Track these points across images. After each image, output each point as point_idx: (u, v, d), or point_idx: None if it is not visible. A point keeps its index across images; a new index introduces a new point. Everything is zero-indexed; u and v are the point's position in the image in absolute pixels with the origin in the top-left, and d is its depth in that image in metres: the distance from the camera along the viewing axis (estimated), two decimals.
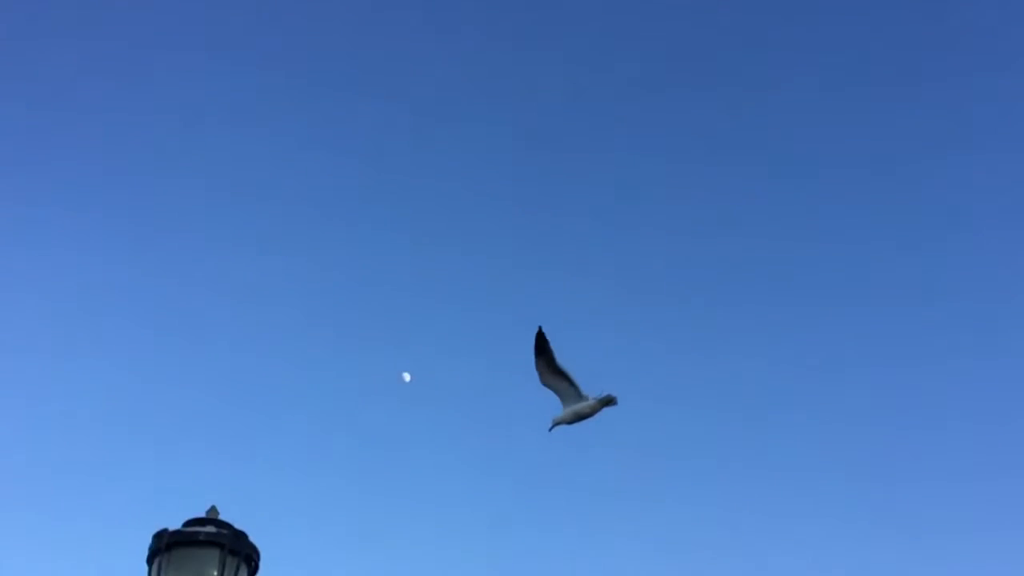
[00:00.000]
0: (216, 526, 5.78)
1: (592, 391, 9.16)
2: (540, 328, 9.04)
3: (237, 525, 5.88)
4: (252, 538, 5.91)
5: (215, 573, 5.66)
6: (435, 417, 27.85)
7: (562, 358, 9.08)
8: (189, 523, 5.80)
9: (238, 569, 5.73)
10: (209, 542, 5.70)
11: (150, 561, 5.71)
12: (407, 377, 26.33)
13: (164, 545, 5.68)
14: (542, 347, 9.05)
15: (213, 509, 5.89)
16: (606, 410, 9.23)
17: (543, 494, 27.47)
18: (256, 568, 5.86)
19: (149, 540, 5.75)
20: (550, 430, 9.26)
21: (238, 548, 5.74)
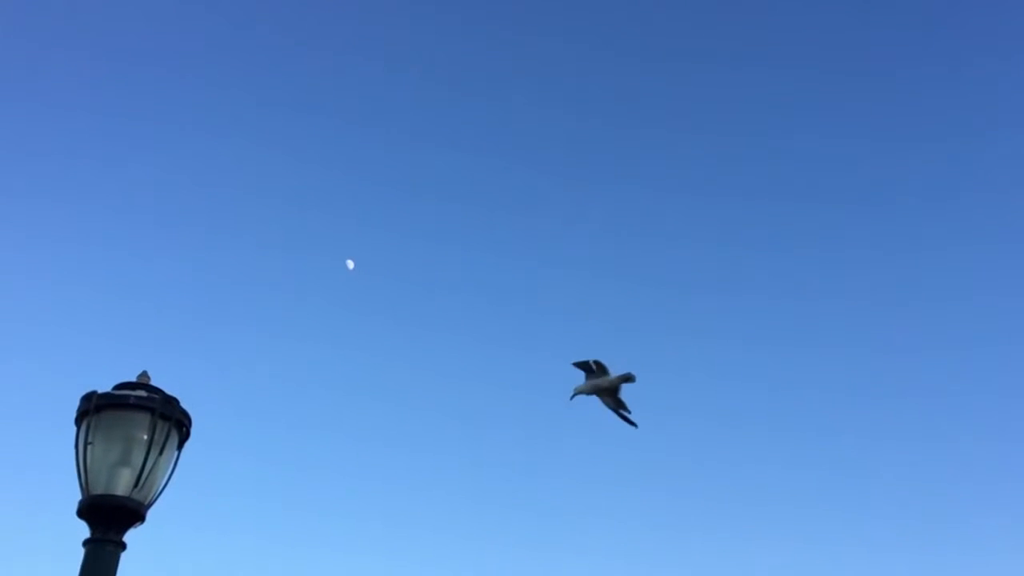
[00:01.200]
0: (147, 391, 5.70)
1: (614, 369, 9.84)
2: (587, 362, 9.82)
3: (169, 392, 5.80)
4: (185, 407, 5.83)
5: (145, 437, 5.59)
6: (377, 303, 27.85)
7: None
8: (119, 387, 5.72)
9: (168, 435, 5.66)
10: (139, 406, 5.62)
11: (78, 422, 5.63)
12: (350, 265, 26.29)
13: (93, 407, 5.59)
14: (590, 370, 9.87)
15: (144, 374, 5.81)
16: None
17: (483, 383, 27.79)
18: (187, 435, 5.80)
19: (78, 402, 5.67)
20: (571, 398, 9.84)
21: (169, 413, 5.67)
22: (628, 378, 9.82)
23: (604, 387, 9.83)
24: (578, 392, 9.82)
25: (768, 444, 26.91)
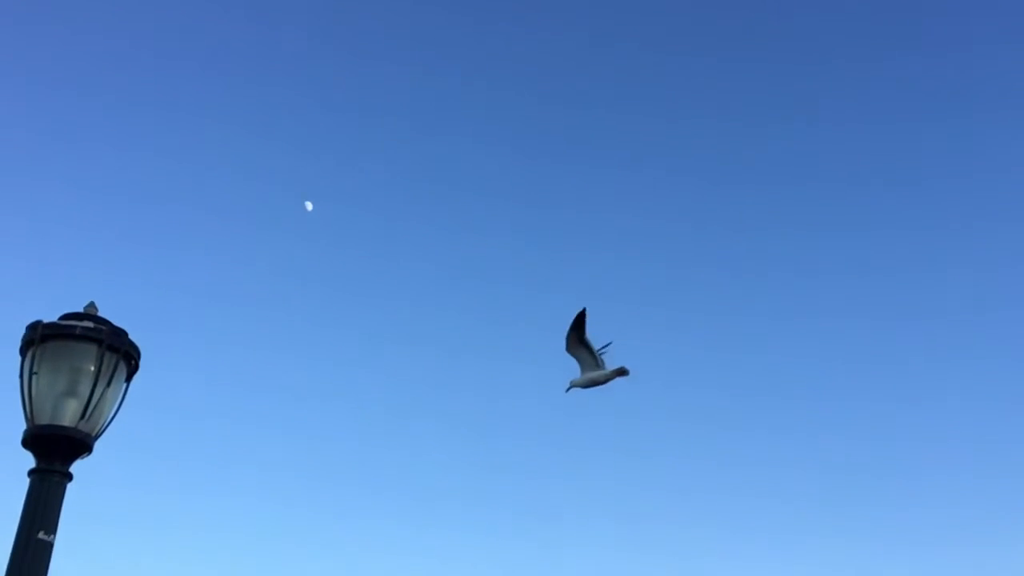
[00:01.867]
0: (94, 322, 5.62)
1: (610, 363, 10.17)
2: (584, 309, 9.97)
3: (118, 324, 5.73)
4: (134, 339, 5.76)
5: (92, 368, 5.52)
6: (335, 246, 27.75)
7: None
8: (65, 317, 5.63)
9: (116, 366, 5.60)
10: (86, 336, 5.54)
11: (23, 352, 5.55)
12: (309, 206, 26.08)
13: (39, 336, 5.51)
14: (579, 325, 9.99)
15: (91, 305, 5.72)
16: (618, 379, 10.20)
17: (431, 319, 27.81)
18: (136, 367, 5.74)
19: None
20: (567, 391, 10.22)
21: (117, 345, 5.60)
22: (622, 372, 10.19)
23: (600, 381, 10.20)
24: (574, 385, 10.21)
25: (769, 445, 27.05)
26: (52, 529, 5.25)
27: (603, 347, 10.14)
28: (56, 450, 5.39)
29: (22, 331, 5.59)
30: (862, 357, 28.12)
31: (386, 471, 26.76)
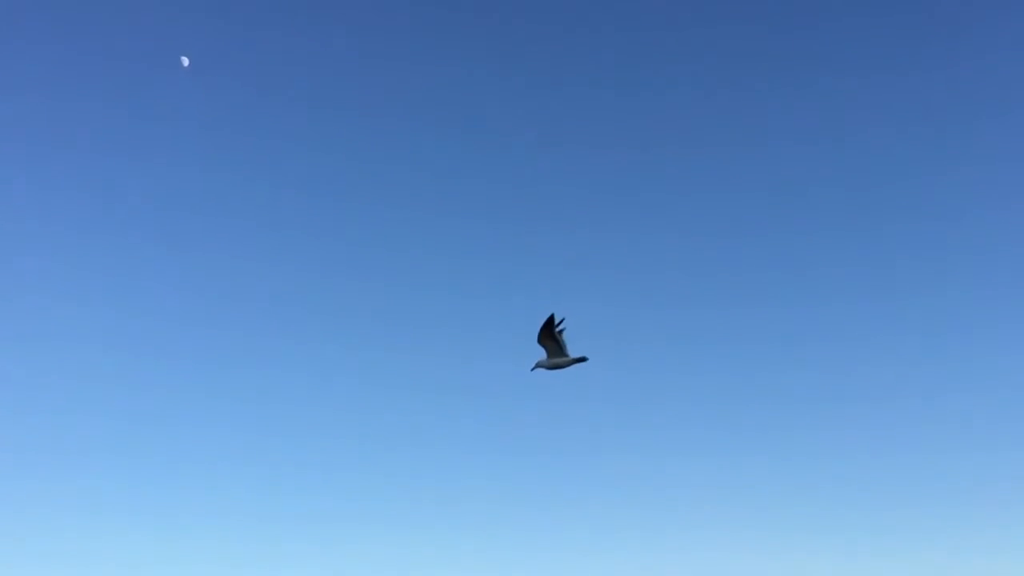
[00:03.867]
0: None
1: (572, 351, 11.98)
2: (552, 316, 11.80)
3: None
4: None
5: None
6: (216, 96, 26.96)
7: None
8: None
9: None
10: None
11: None
12: (185, 62, 25.74)
13: None
14: (548, 325, 11.79)
15: None
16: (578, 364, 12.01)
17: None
18: None
19: None
20: (532, 370, 11.98)
21: None
22: (582, 359, 11.98)
23: (562, 366, 11.97)
24: (539, 366, 11.94)
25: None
26: None
27: (559, 322, 11.90)
28: None
29: None
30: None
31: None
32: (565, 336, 12.00)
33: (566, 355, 11.97)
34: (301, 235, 28.47)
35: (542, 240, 27.81)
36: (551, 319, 11.81)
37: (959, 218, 28.04)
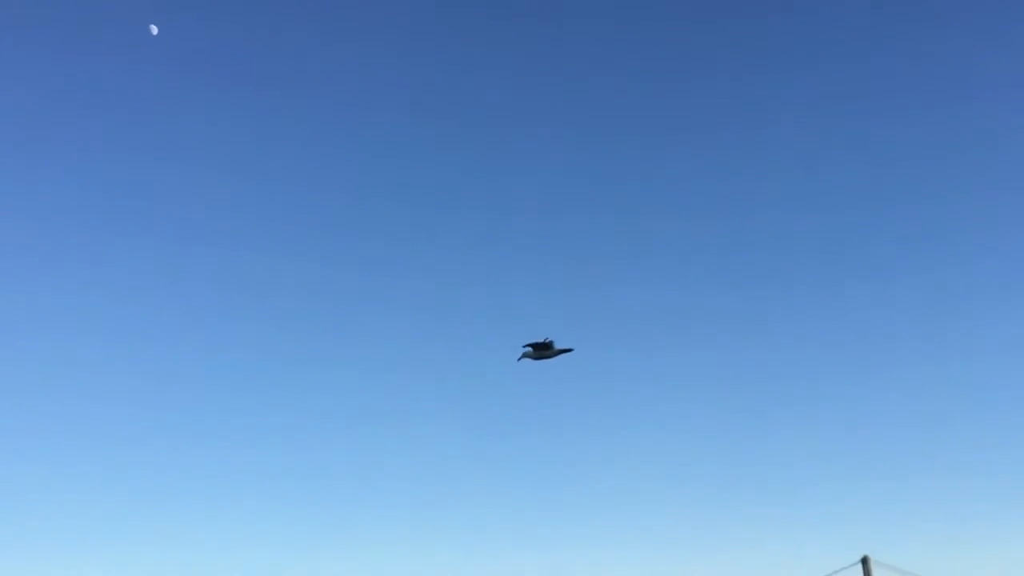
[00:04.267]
0: None
1: (560, 343, 12.63)
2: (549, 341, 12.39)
3: None
4: None
5: None
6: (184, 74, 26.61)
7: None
8: None
9: None
10: None
11: None
12: (154, 30, 25.56)
13: None
14: (542, 347, 12.67)
15: None
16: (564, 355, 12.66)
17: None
18: None
19: None
20: (518, 360, 12.53)
21: None
22: (568, 350, 12.62)
23: (548, 356, 12.66)
24: (525, 356, 12.55)
25: None
26: None
27: (549, 340, 12.56)
28: None
29: None
30: None
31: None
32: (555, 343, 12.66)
33: (552, 346, 12.61)
34: (301, 232, 28.27)
35: (540, 234, 27.63)
36: (547, 343, 12.53)
37: (956, 203, 28.04)
